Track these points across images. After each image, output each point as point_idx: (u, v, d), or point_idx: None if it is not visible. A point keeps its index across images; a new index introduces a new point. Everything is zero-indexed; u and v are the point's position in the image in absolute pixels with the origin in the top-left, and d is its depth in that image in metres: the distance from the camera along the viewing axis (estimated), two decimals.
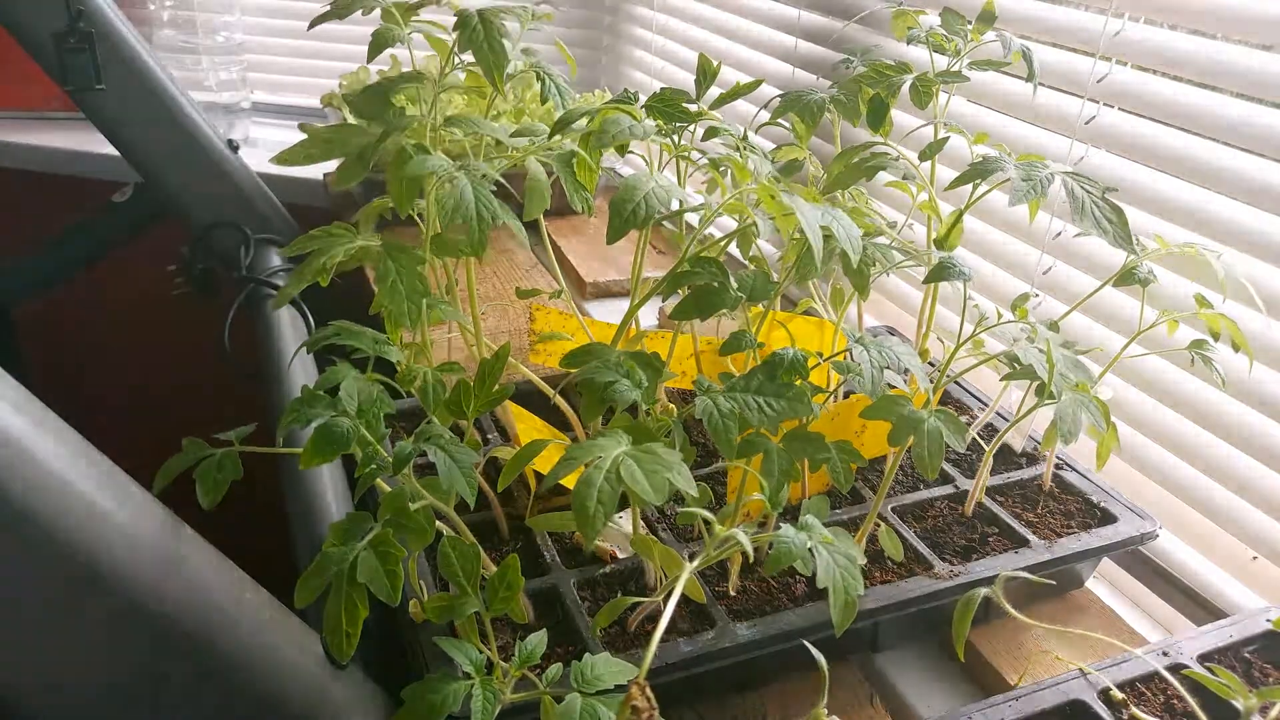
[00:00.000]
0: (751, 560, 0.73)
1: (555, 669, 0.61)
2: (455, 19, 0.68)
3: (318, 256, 0.66)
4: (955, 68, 0.90)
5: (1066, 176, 0.76)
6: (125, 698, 0.58)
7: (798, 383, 0.65)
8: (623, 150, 0.77)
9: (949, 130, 0.92)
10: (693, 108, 0.77)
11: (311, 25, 0.76)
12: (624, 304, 1.37)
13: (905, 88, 0.89)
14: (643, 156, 0.84)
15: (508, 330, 1.27)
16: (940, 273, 0.73)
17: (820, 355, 0.69)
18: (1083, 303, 0.91)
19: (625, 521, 0.84)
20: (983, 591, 0.67)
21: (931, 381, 0.74)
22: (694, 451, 0.66)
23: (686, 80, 1.69)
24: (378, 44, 0.73)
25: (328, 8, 0.75)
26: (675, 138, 0.77)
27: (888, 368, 0.68)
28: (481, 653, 0.61)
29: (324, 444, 0.61)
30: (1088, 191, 0.75)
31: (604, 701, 0.55)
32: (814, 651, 0.59)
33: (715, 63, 0.88)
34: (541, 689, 0.58)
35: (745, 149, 0.77)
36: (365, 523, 0.60)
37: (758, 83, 0.89)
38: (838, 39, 1.29)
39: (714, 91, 0.88)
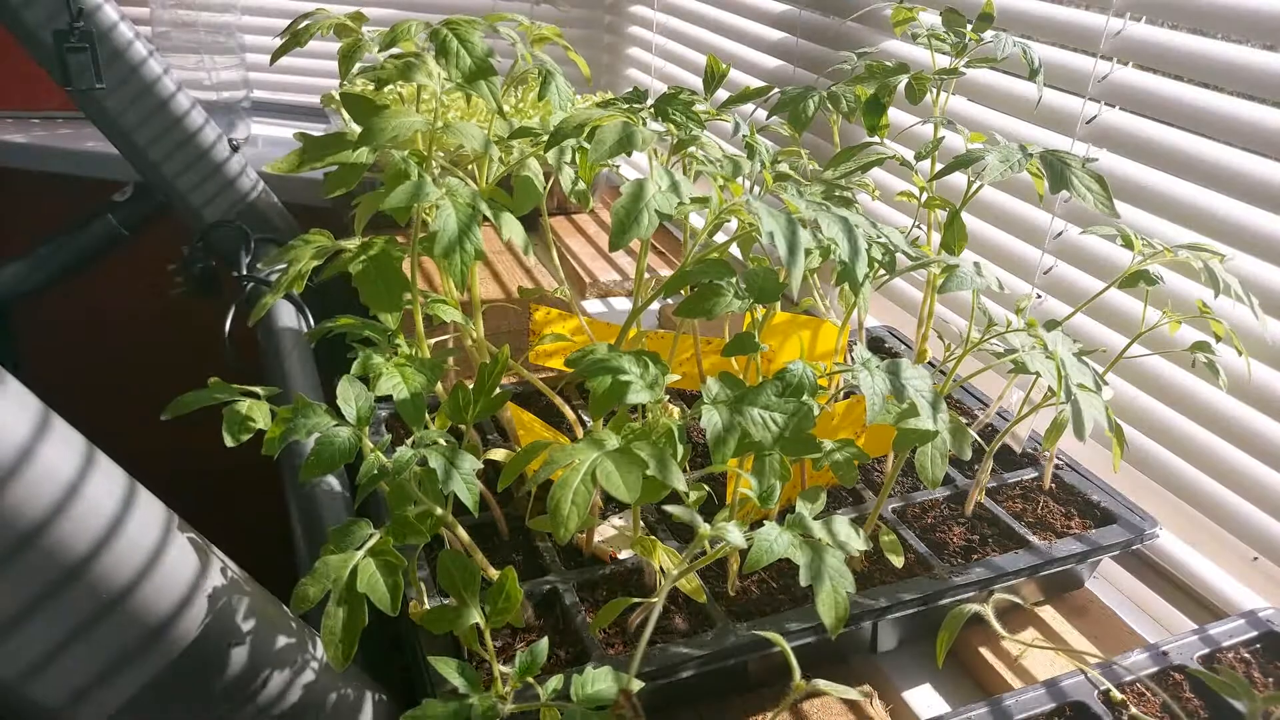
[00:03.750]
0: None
1: (556, 680, 0.61)
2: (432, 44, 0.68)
3: (293, 265, 0.66)
4: (953, 65, 0.90)
5: (1045, 153, 0.76)
6: (120, 694, 0.58)
7: (804, 399, 0.65)
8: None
9: (946, 128, 0.92)
10: (699, 108, 0.77)
11: (273, 59, 0.76)
12: (625, 304, 1.37)
13: (901, 87, 0.89)
14: (654, 149, 0.84)
15: (508, 330, 1.27)
16: (954, 282, 0.73)
17: (824, 369, 0.69)
18: (1088, 304, 0.91)
19: (625, 522, 0.84)
20: (972, 608, 0.66)
21: (939, 386, 0.74)
22: (689, 451, 0.66)
23: (686, 80, 1.68)
24: (346, 59, 0.73)
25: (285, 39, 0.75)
26: (681, 134, 0.77)
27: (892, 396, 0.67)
28: (482, 662, 0.60)
29: (325, 455, 0.61)
30: (1066, 164, 0.76)
31: (603, 715, 0.55)
32: (779, 640, 0.59)
33: (725, 65, 0.88)
34: (542, 700, 0.58)
35: (754, 147, 0.77)
36: (364, 529, 0.60)
37: (768, 88, 0.89)
38: (838, 37, 1.29)
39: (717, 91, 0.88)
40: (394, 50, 0.69)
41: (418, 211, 0.72)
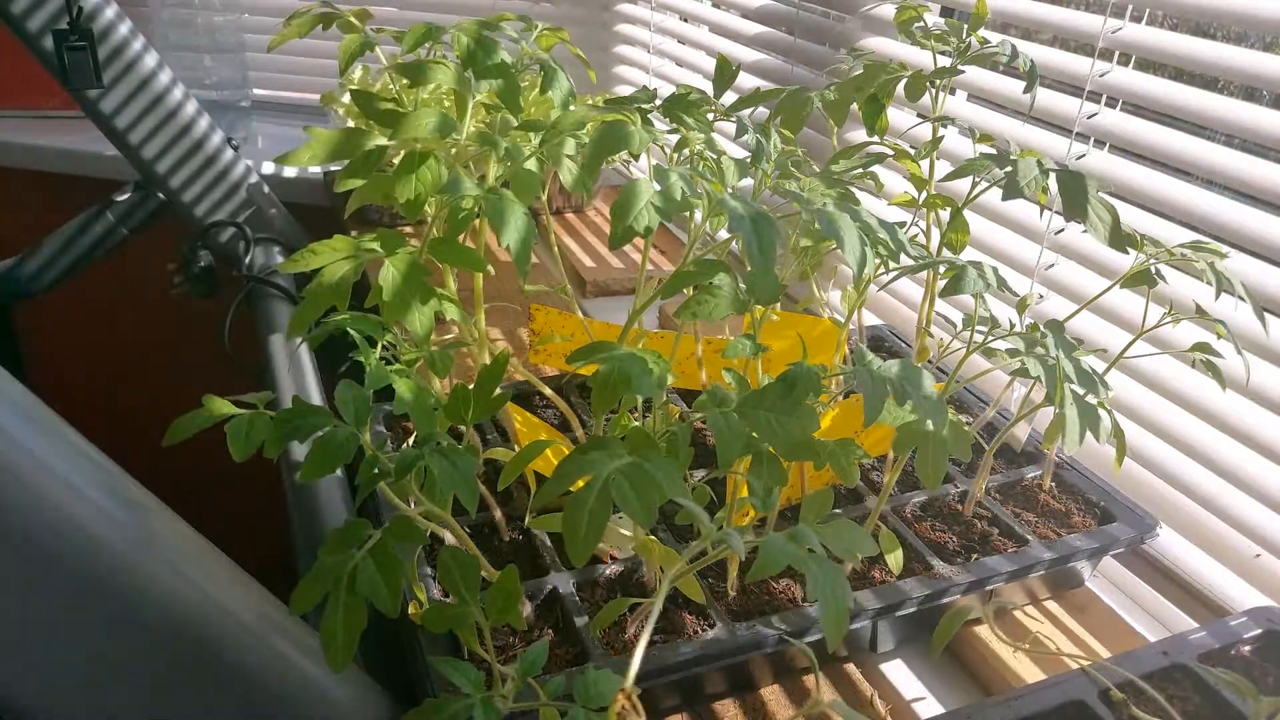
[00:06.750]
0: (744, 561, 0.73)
1: (557, 681, 0.61)
2: (458, 51, 0.68)
3: (326, 276, 0.64)
4: (952, 65, 0.90)
5: (1061, 174, 0.76)
6: (122, 695, 0.58)
7: (807, 401, 0.64)
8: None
9: (945, 128, 0.91)
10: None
11: (270, 48, 0.76)
12: (626, 302, 1.37)
13: (900, 86, 0.89)
14: (661, 147, 0.84)
15: (508, 329, 1.27)
16: (965, 284, 0.72)
17: (825, 370, 0.69)
18: (1089, 304, 0.91)
19: (625, 522, 0.84)
20: (970, 608, 0.66)
21: (940, 387, 0.74)
22: (692, 453, 0.66)
23: (684, 79, 1.68)
24: (346, 55, 0.72)
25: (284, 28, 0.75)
26: (685, 135, 0.76)
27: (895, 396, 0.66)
28: (483, 663, 0.60)
29: (324, 456, 0.61)
30: (1083, 190, 0.75)
31: (603, 716, 0.55)
32: (805, 650, 0.59)
33: (735, 66, 0.88)
34: (542, 701, 0.58)
35: (762, 144, 0.76)
36: (363, 530, 0.60)
37: (778, 90, 0.89)
38: (838, 36, 1.29)
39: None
40: (409, 56, 0.70)
41: (436, 208, 0.72)
